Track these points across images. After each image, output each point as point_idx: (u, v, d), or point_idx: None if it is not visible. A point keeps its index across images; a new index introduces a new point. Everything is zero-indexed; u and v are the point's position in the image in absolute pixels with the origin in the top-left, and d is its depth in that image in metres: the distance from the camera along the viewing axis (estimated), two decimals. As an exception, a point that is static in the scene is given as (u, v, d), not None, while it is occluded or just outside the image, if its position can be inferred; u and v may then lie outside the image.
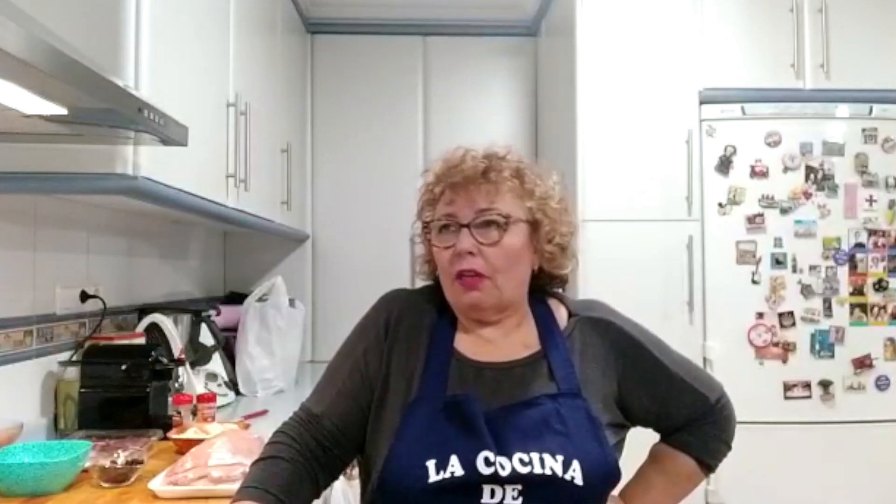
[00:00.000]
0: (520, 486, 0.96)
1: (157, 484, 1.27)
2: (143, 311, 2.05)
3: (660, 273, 2.54)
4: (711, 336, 2.53)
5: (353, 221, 3.25)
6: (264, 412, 2.08)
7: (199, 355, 2.17)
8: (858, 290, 2.53)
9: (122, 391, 1.65)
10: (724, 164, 2.56)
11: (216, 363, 2.26)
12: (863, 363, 2.52)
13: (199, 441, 1.45)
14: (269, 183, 2.48)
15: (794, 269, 2.53)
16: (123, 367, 1.66)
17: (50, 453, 1.32)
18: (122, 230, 2.09)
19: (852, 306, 2.53)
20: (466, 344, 1.08)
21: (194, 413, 1.78)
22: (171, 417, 1.73)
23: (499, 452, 0.96)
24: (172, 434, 1.58)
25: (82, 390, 1.64)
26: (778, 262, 2.53)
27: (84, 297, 1.80)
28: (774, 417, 2.48)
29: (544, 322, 1.11)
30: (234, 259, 3.23)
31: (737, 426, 1.18)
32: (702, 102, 2.58)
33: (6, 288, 1.54)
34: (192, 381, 1.96)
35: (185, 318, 2.16)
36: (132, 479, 1.32)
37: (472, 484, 0.95)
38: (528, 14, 3.26)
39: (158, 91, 1.36)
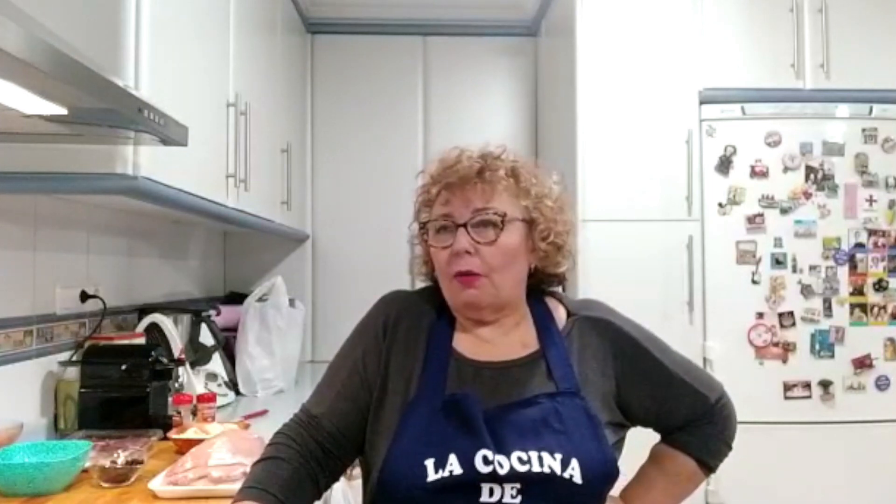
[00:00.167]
0: (518, 485, 0.96)
1: (157, 484, 1.27)
2: (143, 311, 2.06)
3: (660, 273, 2.54)
4: (711, 336, 2.53)
5: (353, 221, 3.25)
6: (264, 412, 2.08)
7: (199, 355, 2.17)
8: (858, 290, 2.53)
9: (122, 391, 1.65)
10: (724, 164, 2.56)
11: (216, 363, 2.26)
12: (863, 363, 2.52)
13: (199, 441, 1.45)
14: (269, 183, 2.48)
15: (794, 269, 2.53)
16: (123, 367, 1.66)
17: (50, 453, 1.32)
18: (122, 230, 2.09)
19: (852, 306, 2.53)
20: (465, 344, 1.09)
21: (194, 413, 1.78)
22: (171, 417, 1.73)
23: (497, 451, 0.96)
24: (172, 434, 1.58)
25: (82, 390, 1.64)
26: (778, 262, 2.53)
27: (84, 297, 1.80)
28: (774, 417, 2.48)
29: (543, 321, 1.11)
30: (234, 259, 3.23)
31: (737, 426, 1.18)
32: (702, 102, 2.58)
33: (6, 288, 1.55)
34: (192, 381, 1.96)
35: (185, 318, 2.16)
36: (132, 479, 1.32)
37: (470, 482, 0.96)
38: (528, 14, 3.26)
39: (158, 91, 1.36)
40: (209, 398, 1.83)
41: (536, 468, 0.96)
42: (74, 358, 1.71)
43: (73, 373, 1.67)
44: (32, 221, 1.63)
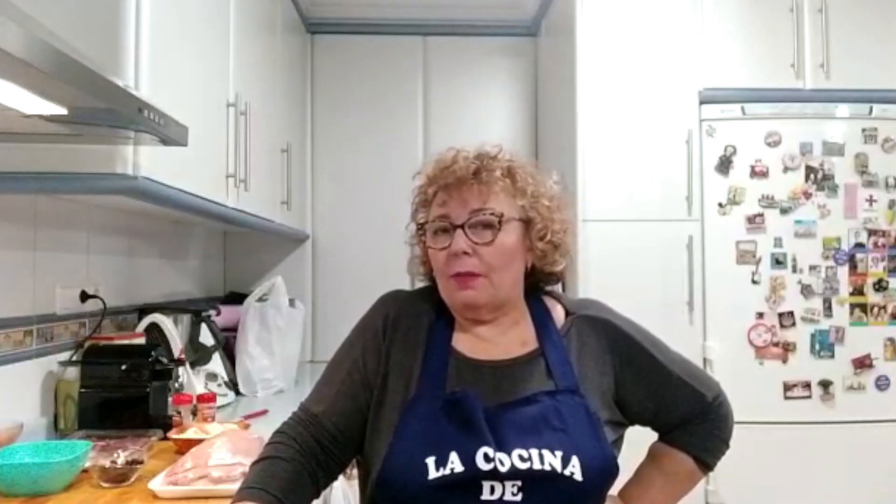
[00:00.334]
0: (519, 482, 0.96)
1: (157, 484, 1.27)
2: (143, 311, 2.06)
3: (660, 273, 2.54)
4: (711, 336, 2.53)
5: (353, 221, 3.25)
6: (264, 412, 2.08)
7: (199, 355, 2.17)
8: (858, 290, 2.53)
9: (122, 391, 1.65)
10: (724, 164, 2.56)
11: (216, 363, 2.26)
12: (863, 363, 2.52)
13: (199, 441, 1.46)
14: (269, 183, 2.48)
15: (794, 269, 2.53)
16: (123, 367, 1.66)
17: (50, 453, 1.32)
18: (122, 230, 2.09)
19: (852, 306, 2.53)
20: (464, 343, 1.09)
21: (194, 413, 1.78)
22: (171, 417, 1.73)
23: (498, 449, 0.97)
24: (172, 434, 1.58)
25: (82, 390, 1.64)
26: (778, 262, 2.53)
27: (84, 297, 1.80)
28: (774, 417, 2.48)
29: (541, 320, 1.11)
30: (234, 259, 3.23)
31: (737, 426, 1.18)
32: (702, 102, 2.58)
33: (6, 288, 1.55)
34: (192, 381, 1.96)
35: (185, 318, 2.16)
36: (132, 479, 1.32)
37: (471, 480, 0.96)
38: (528, 14, 3.26)
39: (158, 91, 1.36)
40: (209, 398, 1.83)
41: (537, 466, 0.96)
42: (74, 358, 1.71)
43: (73, 373, 1.67)
44: (32, 221, 1.63)
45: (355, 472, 1.15)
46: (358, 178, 3.26)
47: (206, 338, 2.24)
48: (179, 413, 1.75)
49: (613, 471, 1.02)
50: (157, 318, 1.96)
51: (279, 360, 2.44)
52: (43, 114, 1.09)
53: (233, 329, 2.49)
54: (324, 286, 3.26)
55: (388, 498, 0.99)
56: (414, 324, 1.10)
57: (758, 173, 2.55)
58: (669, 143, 2.56)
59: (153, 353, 1.73)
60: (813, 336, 2.52)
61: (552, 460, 0.97)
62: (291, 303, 2.56)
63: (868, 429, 2.50)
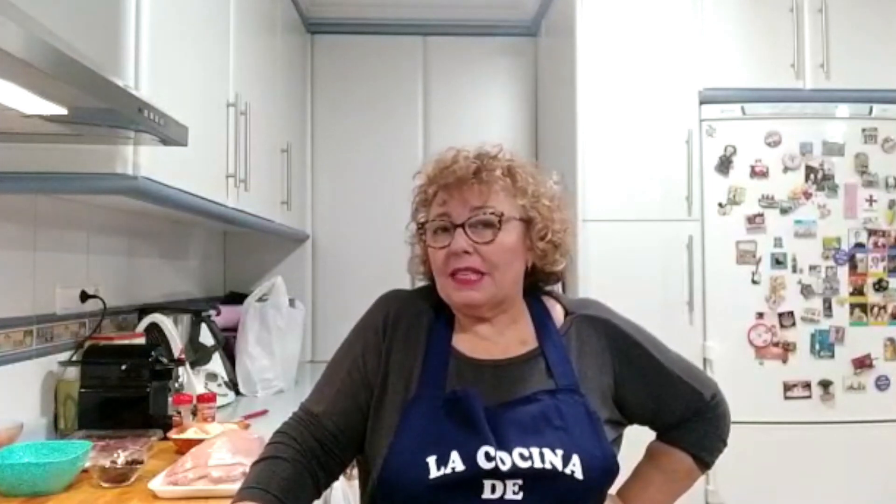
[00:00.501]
0: (520, 481, 0.96)
1: (157, 484, 1.27)
2: (143, 311, 2.06)
3: (659, 273, 2.54)
4: (711, 336, 2.53)
5: (353, 221, 3.25)
6: (264, 412, 2.08)
7: (199, 355, 2.17)
8: (858, 290, 2.53)
9: (122, 391, 1.65)
10: (724, 164, 2.56)
11: (216, 363, 2.26)
12: (863, 363, 2.52)
13: (199, 441, 1.46)
14: (269, 183, 2.48)
15: (794, 269, 2.53)
16: (123, 367, 1.66)
17: (50, 453, 1.32)
18: (122, 230, 2.09)
19: (852, 306, 2.53)
20: (464, 342, 1.09)
21: (194, 413, 1.78)
22: (171, 417, 1.73)
23: (499, 447, 0.97)
24: (172, 434, 1.58)
25: (82, 390, 1.64)
26: (778, 262, 2.53)
27: (84, 297, 1.80)
28: (774, 417, 2.48)
29: (540, 319, 1.12)
30: (234, 259, 3.23)
31: (737, 426, 1.19)
32: (702, 102, 2.58)
33: (6, 288, 1.55)
34: (192, 381, 1.96)
35: (185, 318, 2.16)
36: (132, 479, 1.32)
37: (472, 479, 0.96)
38: (528, 14, 3.26)
39: (158, 91, 1.36)
40: (209, 398, 1.83)
41: (538, 464, 0.96)
42: (74, 358, 1.71)
43: (73, 373, 1.67)
44: (32, 221, 1.63)
45: (355, 472, 1.16)
46: (358, 178, 3.26)
47: (206, 338, 2.24)
48: (179, 413, 1.75)
49: (614, 469, 1.03)
50: (157, 318, 1.96)
51: (279, 360, 2.44)
52: (43, 114, 1.09)
53: (233, 329, 2.49)
54: (324, 286, 3.26)
55: (389, 497, 0.99)
56: (414, 323, 1.10)
57: (758, 173, 2.55)
58: (669, 143, 2.56)
59: (153, 353, 1.73)
60: (813, 336, 2.52)
61: (553, 459, 0.97)
62: (291, 303, 2.56)
63: (868, 429, 2.50)
